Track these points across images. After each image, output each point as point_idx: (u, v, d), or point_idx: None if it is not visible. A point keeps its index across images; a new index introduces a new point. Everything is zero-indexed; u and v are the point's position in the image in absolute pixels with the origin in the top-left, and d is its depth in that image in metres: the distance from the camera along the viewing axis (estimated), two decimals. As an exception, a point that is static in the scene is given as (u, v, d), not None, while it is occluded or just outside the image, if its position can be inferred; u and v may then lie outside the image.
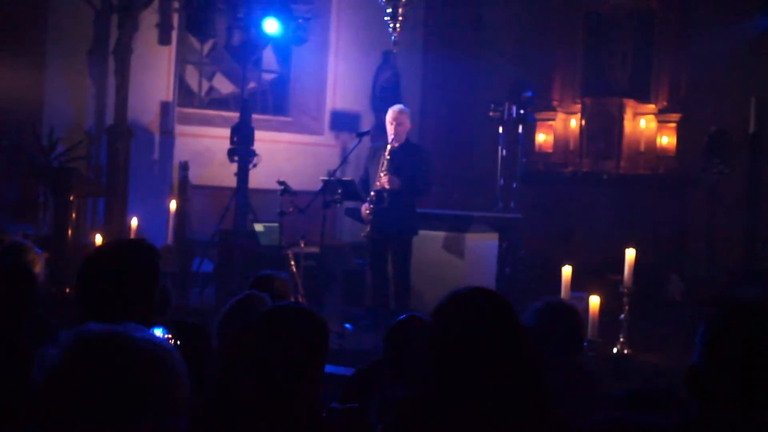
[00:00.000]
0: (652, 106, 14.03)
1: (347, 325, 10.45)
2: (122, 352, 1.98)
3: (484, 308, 2.95)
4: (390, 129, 10.14)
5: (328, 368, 6.42)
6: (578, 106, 14.38)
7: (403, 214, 10.10)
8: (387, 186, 9.93)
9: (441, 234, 11.12)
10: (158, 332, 3.32)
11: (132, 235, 10.58)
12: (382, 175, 9.96)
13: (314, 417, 3.28)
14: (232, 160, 12.54)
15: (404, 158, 10.04)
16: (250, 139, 12.58)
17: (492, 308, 2.96)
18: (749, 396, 2.52)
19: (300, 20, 13.26)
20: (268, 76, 15.68)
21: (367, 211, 10.08)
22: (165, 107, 13.76)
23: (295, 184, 11.23)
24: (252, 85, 14.84)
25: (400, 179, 9.92)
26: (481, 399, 2.85)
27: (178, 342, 3.55)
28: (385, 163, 9.97)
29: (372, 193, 10.05)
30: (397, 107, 10.35)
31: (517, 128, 13.70)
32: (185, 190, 13.45)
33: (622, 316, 9.05)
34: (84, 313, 3.35)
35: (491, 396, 2.85)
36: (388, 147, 10.04)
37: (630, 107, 13.95)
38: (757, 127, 11.87)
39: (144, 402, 1.95)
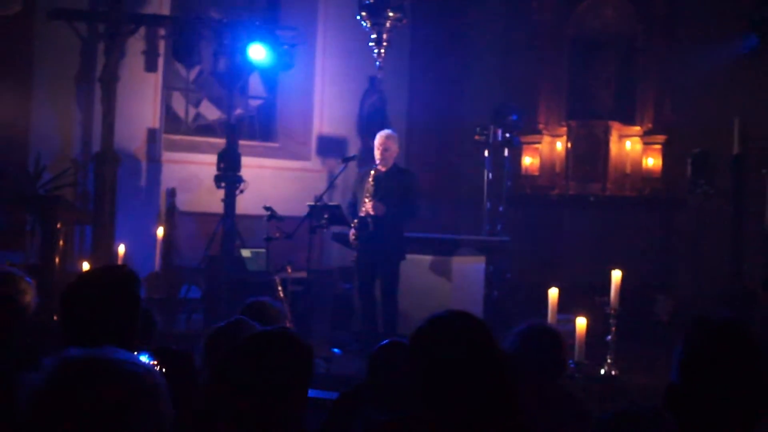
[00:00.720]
0: (637, 128, 14.10)
1: (335, 350, 10.46)
2: (104, 375, 2.00)
3: (462, 331, 2.97)
4: (377, 154, 10.18)
5: (316, 393, 6.44)
6: (564, 129, 14.43)
7: (390, 239, 10.12)
8: (371, 212, 9.96)
9: (428, 258, 11.14)
10: (143, 359, 3.35)
11: (119, 262, 10.58)
12: (366, 201, 9.99)
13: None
14: (219, 186, 12.56)
15: (391, 183, 10.07)
16: (236, 165, 12.60)
17: (469, 331, 2.98)
18: (724, 413, 2.57)
19: (286, 46, 13.31)
20: (254, 102, 15.72)
21: (353, 237, 10.12)
22: (152, 134, 13.77)
23: (282, 210, 11.27)
24: (239, 111, 14.86)
25: (385, 205, 9.95)
26: (458, 422, 2.87)
27: (163, 369, 3.56)
28: (370, 189, 10.01)
29: (355, 221, 10.09)
30: (384, 132, 10.39)
31: (503, 151, 13.74)
32: (172, 216, 13.46)
33: (609, 337, 9.08)
34: (67, 340, 3.37)
35: (467, 419, 2.87)
36: (372, 173, 10.08)
37: (615, 129, 14.02)
38: (740, 148, 11.94)
39: (128, 423, 1.97)
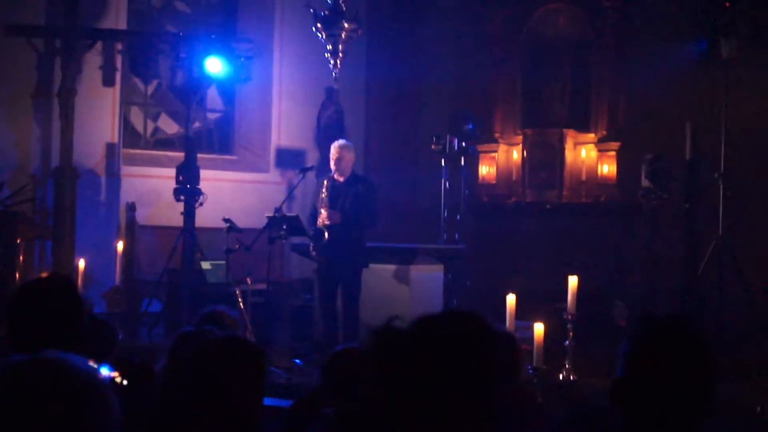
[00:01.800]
0: (591, 136, 14.18)
1: (296, 361, 10.50)
2: (42, 377, 2.01)
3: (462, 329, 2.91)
4: (332, 164, 10.31)
5: (277, 402, 6.49)
6: (520, 138, 14.49)
7: (351, 247, 10.20)
8: (327, 222, 10.05)
9: (386, 267, 11.19)
10: (104, 370, 3.41)
11: (80, 278, 10.59)
12: (322, 211, 10.09)
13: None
14: (178, 200, 12.58)
15: (348, 192, 10.17)
16: (195, 179, 12.63)
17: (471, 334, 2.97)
18: (667, 406, 2.66)
19: (242, 59, 13.37)
20: (212, 116, 15.74)
21: (312, 248, 10.23)
22: (110, 148, 13.77)
23: (242, 222, 11.31)
24: (197, 124, 14.88)
25: (340, 214, 10.05)
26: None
27: (124, 381, 3.62)
28: (325, 199, 10.11)
29: (311, 232, 10.19)
30: (337, 142, 10.51)
31: (460, 161, 13.80)
32: (132, 230, 13.46)
33: (567, 342, 9.21)
34: (13, 348, 3.46)
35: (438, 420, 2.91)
36: (325, 182, 10.19)
37: (570, 137, 14.10)
38: (692, 153, 12.07)
39: (67, 424, 1.98)
